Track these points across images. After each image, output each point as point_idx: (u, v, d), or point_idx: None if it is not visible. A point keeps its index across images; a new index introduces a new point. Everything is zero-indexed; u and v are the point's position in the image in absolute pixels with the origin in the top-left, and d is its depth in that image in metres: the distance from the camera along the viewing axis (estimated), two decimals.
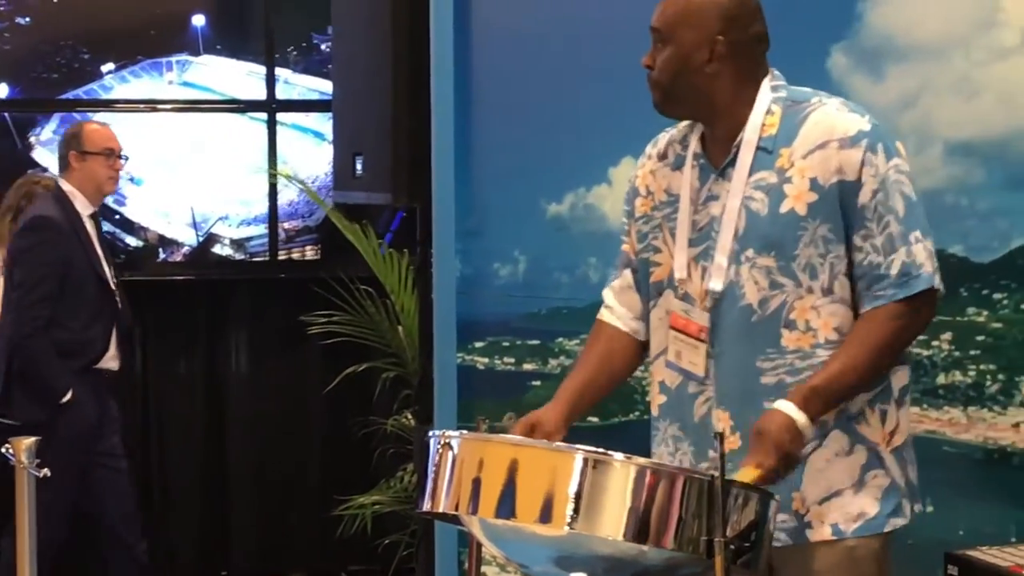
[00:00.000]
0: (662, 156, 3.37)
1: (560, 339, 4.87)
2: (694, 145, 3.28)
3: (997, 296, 4.21)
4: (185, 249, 7.92)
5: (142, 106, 7.92)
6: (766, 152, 3.16)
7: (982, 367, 4.24)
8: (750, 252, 3.16)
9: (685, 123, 3.36)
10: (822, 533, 3.17)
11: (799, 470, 3.11)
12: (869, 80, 4.28)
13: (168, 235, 7.94)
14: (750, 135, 3.17)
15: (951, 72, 4.23)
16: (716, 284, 3.18)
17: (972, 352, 4.25)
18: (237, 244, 7.99)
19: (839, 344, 3.12)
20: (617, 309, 3.44)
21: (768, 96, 3.20)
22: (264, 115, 7.95)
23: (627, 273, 3.44)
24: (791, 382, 3.13)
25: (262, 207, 7.89)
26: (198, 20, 7.98)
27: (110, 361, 6.17)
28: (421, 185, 4.91)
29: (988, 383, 4.23)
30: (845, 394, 3.09)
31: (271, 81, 7.95)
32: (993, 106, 4.19)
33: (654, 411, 3.40)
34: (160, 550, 6.84)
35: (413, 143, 4.91)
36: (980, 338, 4.24)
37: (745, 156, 3.17)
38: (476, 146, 4.86)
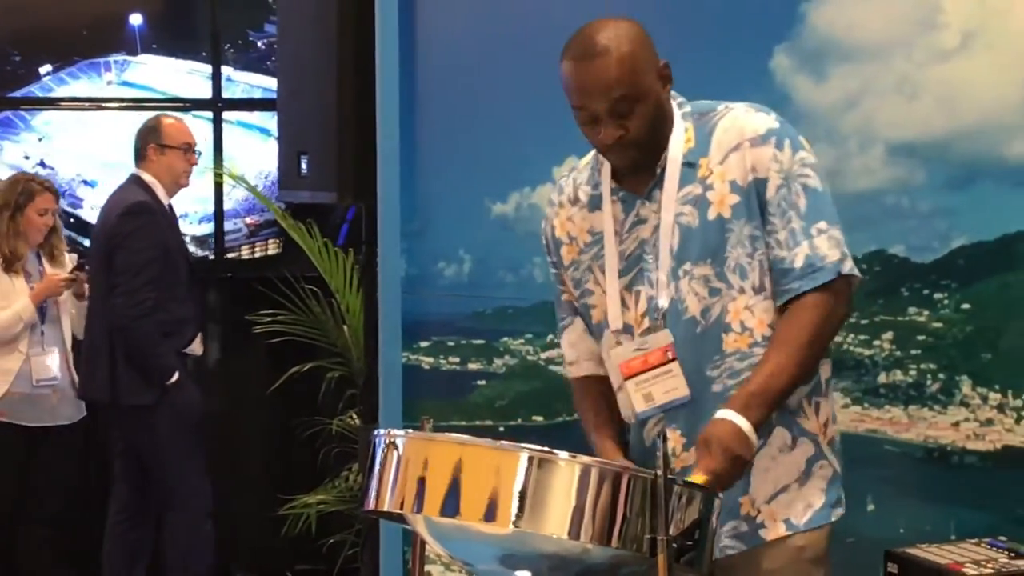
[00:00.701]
0: (574, 200, 3.37)
1: (505, 338, 4.88)
2: (608, 182, 3.29)
3: (938, 296, 4.24)
4: None
5: (87, 104, 7.90)
6: (689, 166, 3.19)
7: (923, 366, 4.26)
8: (687, 265, 3.18)
9: (585, 163, 3.37)
10: (777, 531, 3.20)
11: (746, 474, 3.12)
12: (811, 81, 4.30)
13: None
14: (674, 152, 3.19)
15: (893, 73, 4.25)
16: (663, 301, 3.20)
17: (913, 352, 4.27)
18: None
19: None
20: (581, 360, 3.44)
21: (678, 113, 3.23)
22: (209, 113, 7.94)
23: (578, 320, 3.44)
24: (732, 384, 3.15)
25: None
26: (135, 19, 7.95)
27: (196, 346, 6.40)
28: (366, 185, 4.92)
29: (929, 382, 4.26)
30: (781, 395, 3.10)
31: (217, 79, 7.95)
32: (934, 107, 4.22)
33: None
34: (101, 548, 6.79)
35: (358, 143, 4.92)
36: (921, 338, 4.26)
37: (672, 173, 3.19)
38: (421, 146, 4.86)
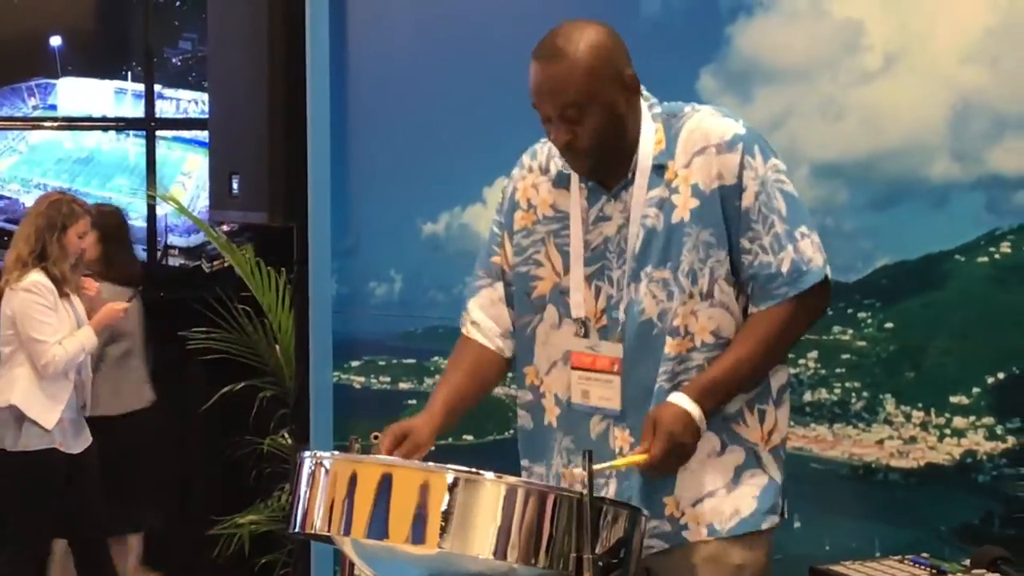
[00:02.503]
0: (544, 170, 3.34)
1: (436, 358, 4.89)
2: None
3: (861, 315, 4.28)
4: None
5: (20, 124, 7.89)
6: (659, 168, 3.17)
7: (847, 385, 4.30)
8: (648, 268, 3.17)
9: None
10: (699, 534, 3.19)
11: (671, 475, 3.15)
12: (737, 102, 4.33)
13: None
14: (644, 157, 3.18)
15: (817, 95, 4.30)
16: (622, 311, 3.20)
17: (837, 370, 4.31)
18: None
19: (715, 347, 3.15)
20: (484, 325, 3.41)
21: (648, 115, 3.21)
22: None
23: (499, 286, 3.40)
24: (668, 388, 3.14)
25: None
26: (55, 41, 7.92)
27: None
28: (297, 204, 4.93)
29: (853, 400, 4.30)
30: (740, 387, 3.12)
31: (150, 99, 7.96)
32: (857, 128, 4.26)
33: (552, 421, 3.34)
34: (31, 568, 6.76)
35: (290, 163, 4.93)
36: (845, 356, 4.30)
37: (642, 177, 3.18)
38: (352, 166, 4.88)
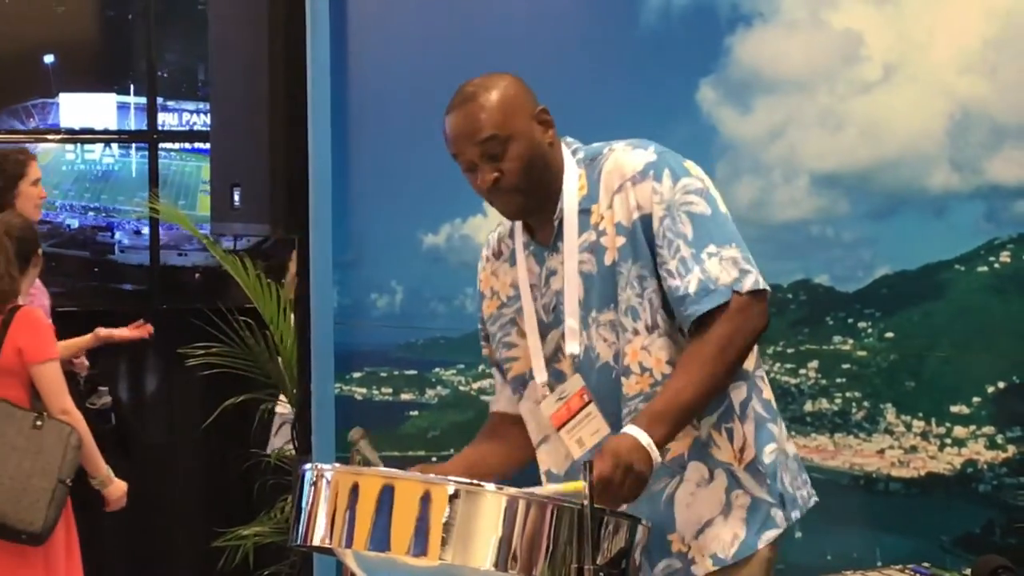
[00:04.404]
0: (497, 255, 3.38)
1: (437, 369, 4.89)
2: (520, 235, 3.29)
3: (862, 325, 4.29)
4: None
5: (24, 137, 7.90)
6: (585, 213, 3.19)
7: (848, 394, 4.31)
8: (594, 313, 3.18)
9: None
10: (705, 566, 3.18)
11: (668, 511, 3.15)
12: (737, 113, 4.35)
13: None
14: (569, 201, 3.19)
15: (816, 105, 4.31)
16: (572, 347, 3.20)
17: (838, 380, 4.32)
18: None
19: None
20: (500, 401, 3.45)
21: (572, 160, 3.23)
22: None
23: (497, 374, 3.46)
24: None
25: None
26: (48, 59, 7.93)
27: None
28: (299, 216, 4.93)
29: (854, 410, 4.31)
30: (689, 411, 3.09)
31: (152, 112, 7.96)
32: (857, 139, 4.27)
33: None
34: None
35: (291, 175, 4.92)
36: (845, 366, 4.31)
37: (570, 221, 3.19)
38: (353, 178, 4.88)
